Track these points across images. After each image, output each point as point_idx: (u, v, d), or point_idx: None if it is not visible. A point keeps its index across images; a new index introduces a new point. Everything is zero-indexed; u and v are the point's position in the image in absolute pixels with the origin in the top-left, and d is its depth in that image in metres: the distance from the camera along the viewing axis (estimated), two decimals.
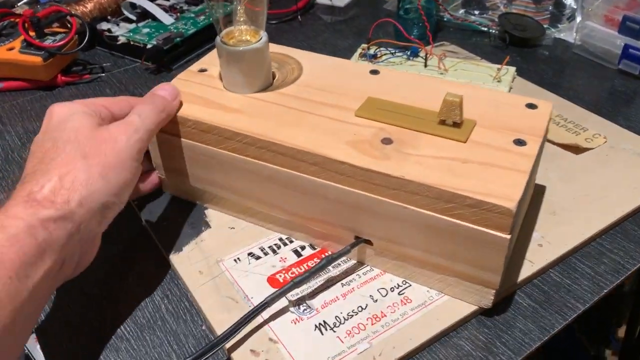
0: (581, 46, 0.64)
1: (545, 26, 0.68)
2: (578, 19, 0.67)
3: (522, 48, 0.66)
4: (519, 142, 0.35)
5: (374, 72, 0.43)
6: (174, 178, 0.44)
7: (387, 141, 0.35)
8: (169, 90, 0.40)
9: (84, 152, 0.33)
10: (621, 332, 1.00)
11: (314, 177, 0.36)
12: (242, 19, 0.41)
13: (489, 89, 0.55)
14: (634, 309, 0.85)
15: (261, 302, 0.34)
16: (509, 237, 0.31)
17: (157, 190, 0.45)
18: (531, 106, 0.38)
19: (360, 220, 0.36)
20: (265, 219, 0.41)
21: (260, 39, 0.40)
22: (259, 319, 0.35)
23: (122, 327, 0.36)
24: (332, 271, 0.38)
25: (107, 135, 0.34)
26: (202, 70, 0.44)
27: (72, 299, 0.38)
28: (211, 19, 0.69)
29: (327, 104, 0.39)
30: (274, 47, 0.45)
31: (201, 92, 0.41)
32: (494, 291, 0.34)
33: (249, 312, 0.34)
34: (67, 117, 0.34)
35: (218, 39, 0.40)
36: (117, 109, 0.37)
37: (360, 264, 0.39)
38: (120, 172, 0.33)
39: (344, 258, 0.39)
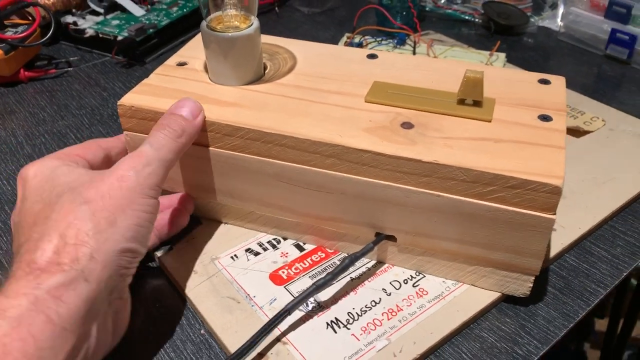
0: (566, 33, 0.64)
1: (528, 14, 0.67)
2: (561, 6, 0.67)
3: (506, 36, 0.65)
4: (544, 118, 0.33)
5: (372, 56, 0.40)
6: None
7: (407, 125, 0.33)
8: (190, 107, 0.33)
9: (84, 198, 0.28)
10: (600, 324, 1.00)
11: (330, 171, 0.33)
12: (231, 2, 0.38)
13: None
14: (615, 301, 0.84)
15: (282, 310, 0.31)
16: (555, 217, 0.29)
17: None
18: (544, 82, 0.36)
19: (383, 214, 0.33)
20: (268, 224, 0.37)
21: (252, 24, 0.37)
22: (263, 319, 0.32)
23: None
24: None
25: (110, 175, 0.29)
26: (181, 64, 0.39)
27: None
28: (196, 3, 0.66)
29: (332, 91, 0.36)
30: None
31: (186, 86, 0.37)
32: (533, 278, 0.32)
33: (268, 323, 0.30)
34: (48, 173, 0.30)
35: (204, 24, 0.37)
36: (91, 155, 0.33)
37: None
38: (132, 213, 0.28)
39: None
